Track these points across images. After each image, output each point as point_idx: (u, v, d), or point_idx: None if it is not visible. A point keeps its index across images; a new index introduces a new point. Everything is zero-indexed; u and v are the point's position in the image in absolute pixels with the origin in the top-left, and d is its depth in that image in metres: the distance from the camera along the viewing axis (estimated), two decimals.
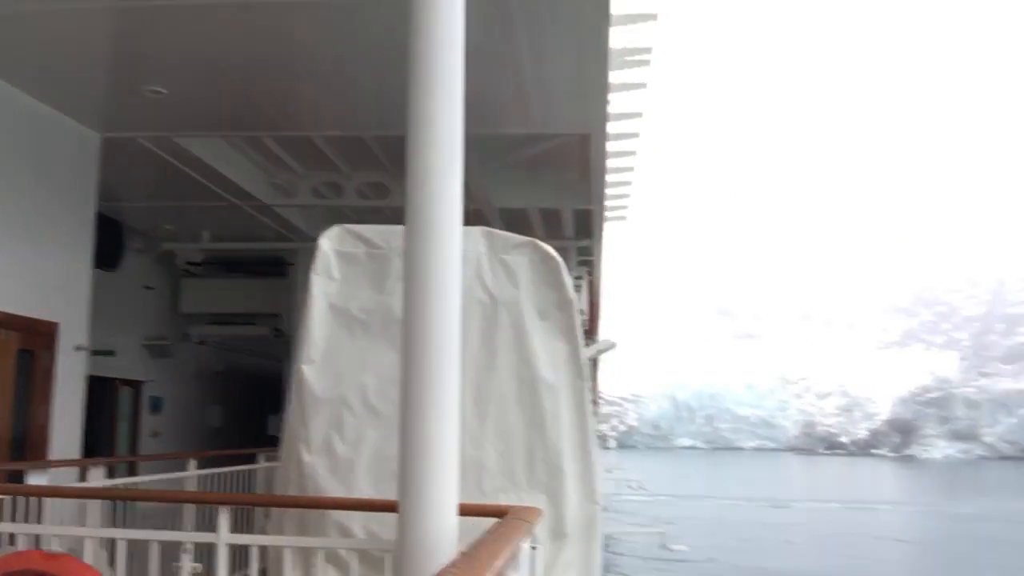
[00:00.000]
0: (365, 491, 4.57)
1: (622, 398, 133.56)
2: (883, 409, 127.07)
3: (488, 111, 8.50)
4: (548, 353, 4.36)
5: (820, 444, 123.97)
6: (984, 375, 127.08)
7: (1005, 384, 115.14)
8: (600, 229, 17.03)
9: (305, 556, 4.28)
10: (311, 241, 5.37)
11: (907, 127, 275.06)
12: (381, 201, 12.50)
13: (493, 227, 5.11)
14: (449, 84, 2.91)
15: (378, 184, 12.44)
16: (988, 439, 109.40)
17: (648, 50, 9.41)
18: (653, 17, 8.59)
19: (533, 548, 3.66)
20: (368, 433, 4.55)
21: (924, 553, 33.55)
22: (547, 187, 13.12)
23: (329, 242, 5.04)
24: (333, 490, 4.68)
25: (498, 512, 3.49)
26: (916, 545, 35.35)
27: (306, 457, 4.76)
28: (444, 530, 2.79)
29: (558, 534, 4.21)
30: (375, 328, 4.58)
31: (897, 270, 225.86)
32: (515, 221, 13.14)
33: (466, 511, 3.07)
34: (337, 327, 4.83)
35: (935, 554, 33.19)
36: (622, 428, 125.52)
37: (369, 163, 11.87)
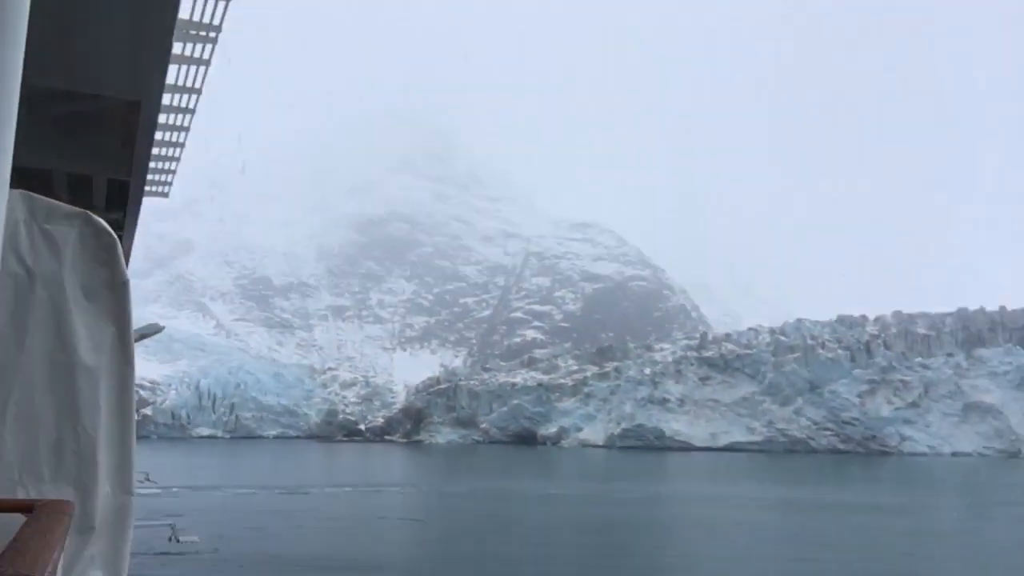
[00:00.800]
0: None
1: (137, 385, 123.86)
2: (399, 399, 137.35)
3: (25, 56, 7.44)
4: (91, 336, 4.02)
5: (340, 431, 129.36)
6: (486, 370, 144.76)
7: (502, 378, 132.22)
8: (137, 203, 15.86)
9: None
10: None
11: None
12: None
13: None
14: (10, 19, 2.61)
15: None
16: (484, 426, 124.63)
17: (217, 27, 9.06)
18: None
19: None
20: None
21: (422, 529, 37.23)
22: (81, 151, 11.81)
23: None
24: None
25: (23, 507, 3.20)
26: (416, 523, 39.08)
27: None
28: None
29: (84, 528, 3.93)
30: None
31: (425, 272, 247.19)
32: (35, 183, 11.62)
33: None
34: None
35: (431, 530, 37.05)
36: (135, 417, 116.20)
37: None
